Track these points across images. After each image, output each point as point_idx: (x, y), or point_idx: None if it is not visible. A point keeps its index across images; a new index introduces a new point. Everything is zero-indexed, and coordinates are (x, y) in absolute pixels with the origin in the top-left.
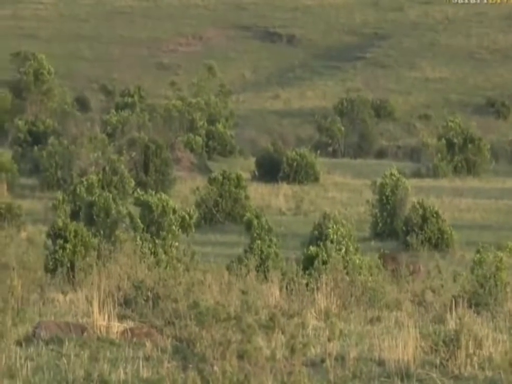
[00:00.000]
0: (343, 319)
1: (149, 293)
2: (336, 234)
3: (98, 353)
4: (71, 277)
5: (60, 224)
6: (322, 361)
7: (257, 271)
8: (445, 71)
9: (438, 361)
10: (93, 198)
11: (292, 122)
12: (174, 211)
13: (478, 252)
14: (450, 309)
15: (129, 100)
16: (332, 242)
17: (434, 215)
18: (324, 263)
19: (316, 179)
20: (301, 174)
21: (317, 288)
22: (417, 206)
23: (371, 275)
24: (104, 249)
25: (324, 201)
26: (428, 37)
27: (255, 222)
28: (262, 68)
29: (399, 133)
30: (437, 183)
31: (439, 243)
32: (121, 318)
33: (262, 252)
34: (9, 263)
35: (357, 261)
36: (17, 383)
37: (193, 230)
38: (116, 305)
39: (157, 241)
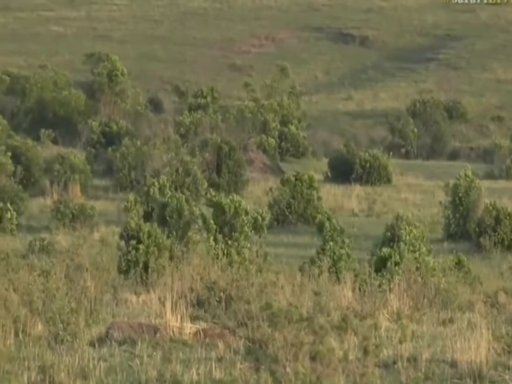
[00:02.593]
0: (416, 320)
1: (222, 294)
2: (409, 235)
3: (171, 354)
4: (144, 278)
5: (133, 225)
6: (395, 362)
7: (330, 272)
8: None
9: (511, 363)
10: (166, 199)
11: (364, 123)
12: (247, 212)
13: None
14: None
15: (202, 101)
16: (404, 243)
17: (508, 217)
18: (397, 264)
19: (389, 180)
20: (373, 175)
21: (390, 290)
22: (490, 208)
23: (444, 276)
24: (177, 250)
25: (397, 202)
26: (499, 38)
27: (327, 223)
28: (334, 69)
29: (472, 135)
30: (510, 184)
31: None
32: (193, 319)
33: (334, 253)
34: (82, 264)
35: (430, 263)
36: (90, 383)
37: (266, 231)
38: (189, 306)
39: (229, 242)
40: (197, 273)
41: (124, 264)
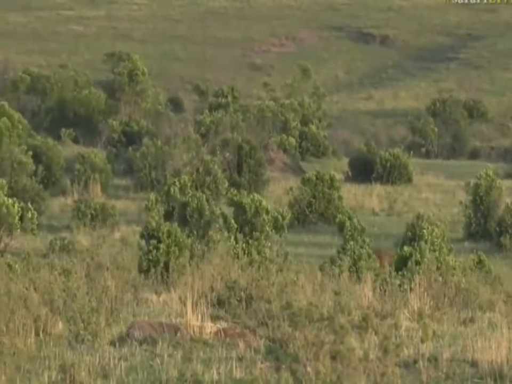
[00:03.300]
0: (436, 320)
1: (242, 294)
2: (430, 235)
3: (191, 353)
4: (165, 277)
5: (154, 224)
6: (415, 362)
7: (350, 272)
8: None
9: None
10: (187, 199)
11: (384, 123)
12: (267, 211)
13: None
14: None
15: (223, 100)
16: (425, 243)
17: None
18: (417, 263)
19: (409, 180)
20: (394, 174)
21: (410, 289)
22: (511, 207)
23: (464, 276)
24: (197, 249)
25: (417, 202)
26: None
27: (348, 222)
28: (355, 69)
29: (492, 134)
30: None
31: None
32: (214, 318)
33: (355, 252)
34: (103, 263)
35: (451, 262)
36: (111, 383)
37: (286, 231)
38: (209, 306)
39: (250, 241)
40: (218, 272)
41: (144, 263)
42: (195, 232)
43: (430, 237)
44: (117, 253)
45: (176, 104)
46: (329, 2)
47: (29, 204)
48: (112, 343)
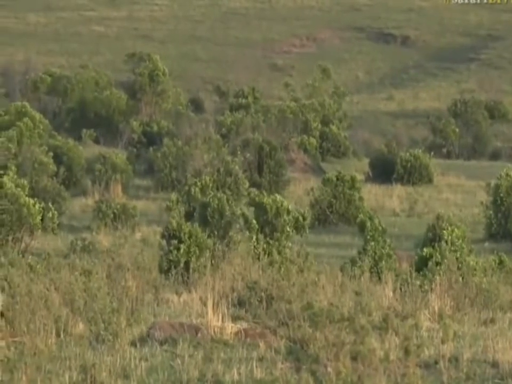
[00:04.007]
0: (457, 320)
1: (263, 294)
2: (450, 235)
3: (212, 353)
4: (186, 277)
5: (174, 225)
6: (436, 362)
7: (371, 272)
8: None
9: None
10: (207, 199)
11: (405, 123)
12: (288, 212)
13: None
14: None
15: (243, 101)
16: (446, 243)
17: None
18: (438, 264)
19: (430, 180)
20: (414, 175)
21: (431, 290)
22: None
23: (485, 276)
24: (218, 250)
25: (438, 202)
26: None
27: (369, 223)
28: (375, 69)
29: None
30: None
31: None
32: (235, 318)
33: (375, 253)
34: (124, 263)
35: (471, 262)
36: (132, 383)
37: (307, 231)
38: (230, 306)
39: (270, 242)
40: (238, 273)
41: (165, 264)
42: (216, 233)
43: (450, 238)
44: (137, 253)
45: (197, 105)
46: (350, 3)
47: (50, 204)
48: (133, 344)
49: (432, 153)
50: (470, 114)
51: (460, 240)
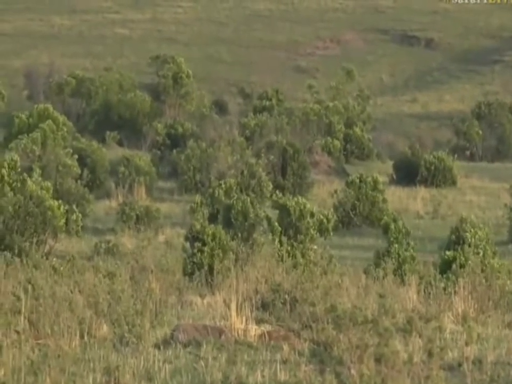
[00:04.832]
0: (481, 322)
1: (287, 296)
2: (474, 238)
3: (236, 356)
4: (209, 280)
5: (198, 227)
6: (460, 365)
7: (395, 275)
8: None
9: None
10: (231, 201)
11: (429, 125)
12: (312, 214)
13: None
14: None
15: (267, 103)
16: (469, 246)
17: None
18: (462, 266)
19: (454, 183)
20: (438, 177)
21: (455, 292)
22: None
23: (509, 279)
24: (242, 252)
25: (462, 204)
26: None
27: (392, 225)
28: (399, 71)
29: None
30: None
31: None
32: (258, 321)
33: (399, 255)
34: (147, 266)
35: (495, 265)
36: None
37: (331, 233)
38: (254, 309)
39: (294, 244)
40: (262, 275)
41: (189, 266)
42: (239, 235)
43: (474, 240)
44: (161, 255)
45: (220, 107)
46: (374, 5)
47: (74, 207)
48: (157, 346)
49: (456, 155)
50: (494, 116)
51: (484, 242)
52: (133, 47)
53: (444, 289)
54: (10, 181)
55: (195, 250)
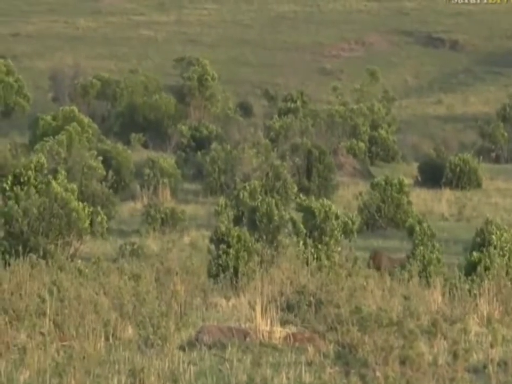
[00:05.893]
0: (506, 324)
1: (312, 298)
2: (499, 240)
3: (260, 358)
4: (234, 282)
5: (223, 229)
6: (485, 367)
7: (420, 277)
8: None
9: None
10: (256, 203)
11: (454, 127)
12: (337, 216)
13: None
14: None
15: (292, 105)
16: (494, 248)
17: None
18: (487, 269)
19: (479, 185)
20: (463, 179)
21: (480, 294)
22: None
23: None
24: (266, 254)
25: (487, 207)
26: None
27: (417, 227)
28: (424, 73)
29: None
30: None
31: None
32: (283, 323)
33: (424, 257)
34: (172, 267)
35: None
36: None
37: (356, 236)
38: (278, 310)
39: (319, 246)
40: (287, 277)
41: (214, 268)
42: (264, 237)
43: (499, 242)
44: (186, 257)
45: (245, 109)
46: (399, 7)
47: (99, 209)
48: (182, 348)
49: (481, 157)
50: None
51: (509, 245)
52: (158, 49)
53: (469, 291)
54: (36, 183)
55: (220, 252)
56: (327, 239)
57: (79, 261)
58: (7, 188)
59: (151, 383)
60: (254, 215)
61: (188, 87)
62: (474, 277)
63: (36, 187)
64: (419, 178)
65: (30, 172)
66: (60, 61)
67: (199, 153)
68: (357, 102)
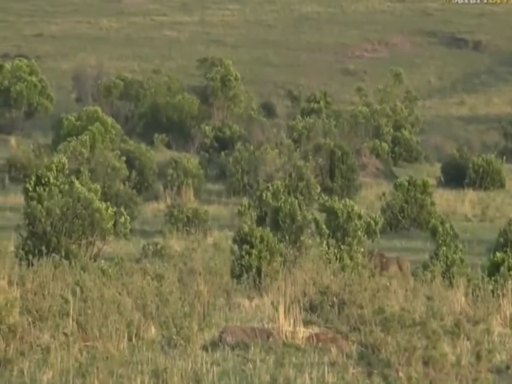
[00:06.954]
0: None
1: (335, 299)
2: None
3: (283, 358)
4: (257, 282)
5: (246, 229)
6: (508, 367)
7: (443, 277)
8: None
9: None
10: (279, 204)
11: (477, 128)
12: (360, 217)
13: None
14: None
15: (315, 105)
16: None
17: None
18: (510, 269)
19: (502, 185)
20: (486, 180)
21: (503, 295)
22: None
23: None
24: (289, 254)
25: (510, 207)
26: None
27: (441, 228)
28: (447, 74)
29: None
30: None
31: None
32: (306, 323)
33: (447, 258)
34: (195, 268)
35: None
36: None
37: (379, 236)
38: (302, 311)
39: (342, 247)
40: (310, 277)
41: (237, 268)
42: (287, 237)
43: None
44: (209, 258)
45: (268, 110)
46: (422, 7)
47: (122, 209)
48: (205, 348)
49: (504, 158)
50: None
51: None
52: (181, 49)
53: (492, 292)
54: (58, 183)
55: (243, 253)
56: (350, 239)
57: (102, 261)
58: (30, 189)
59: (174, 383)
60: (277, 216)
61: (211, 88)
62: (498, 278)
63: (58, 187)
64: (442, 179)
65: (51, 172)
66: (83, 61)
67: (222, 153)
68: (380, 102)
